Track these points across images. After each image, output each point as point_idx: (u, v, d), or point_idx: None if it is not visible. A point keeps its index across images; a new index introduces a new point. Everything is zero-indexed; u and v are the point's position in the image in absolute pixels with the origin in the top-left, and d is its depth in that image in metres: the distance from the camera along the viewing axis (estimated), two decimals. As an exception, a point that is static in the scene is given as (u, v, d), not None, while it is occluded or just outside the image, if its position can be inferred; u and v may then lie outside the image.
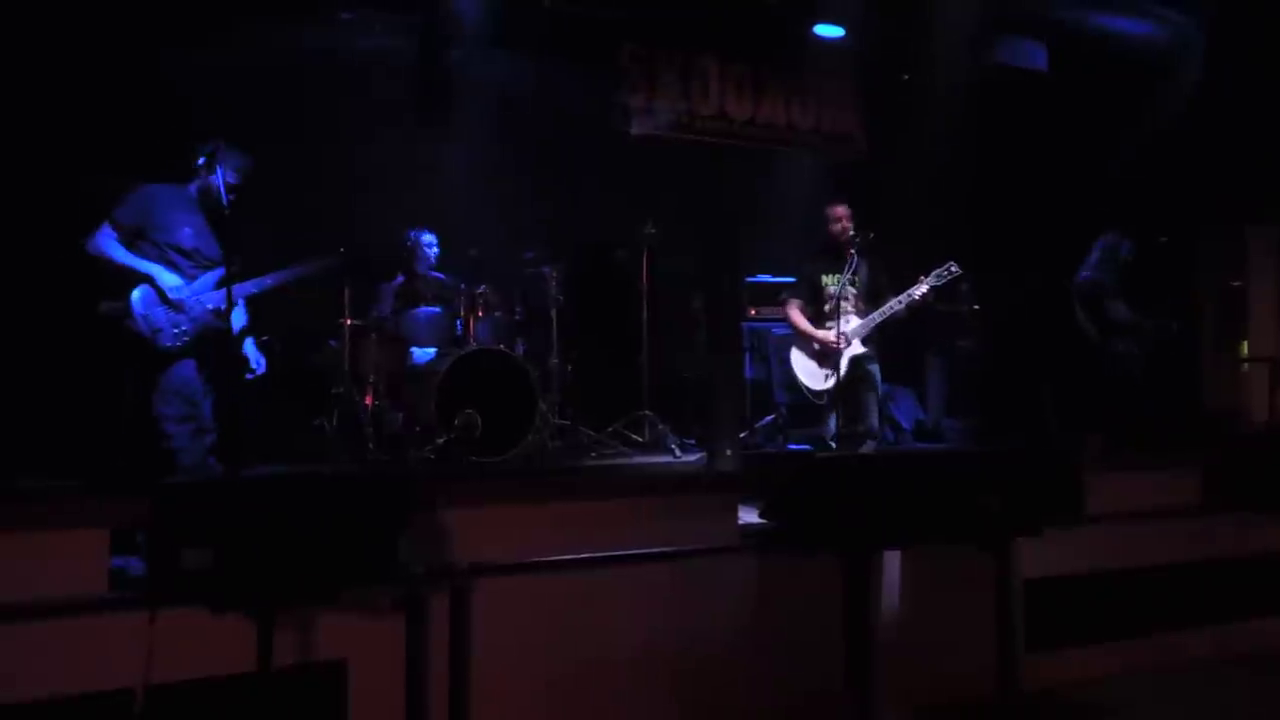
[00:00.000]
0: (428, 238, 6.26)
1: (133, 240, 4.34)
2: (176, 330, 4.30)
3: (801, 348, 5.76)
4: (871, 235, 5.64)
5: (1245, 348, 8.57)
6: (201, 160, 4.43)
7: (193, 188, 4.49)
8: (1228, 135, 7.48)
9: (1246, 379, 8.46)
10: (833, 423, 5.58)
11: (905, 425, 7.53)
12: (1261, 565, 5.11)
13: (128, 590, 2.99)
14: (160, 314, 4.30)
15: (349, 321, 5.84)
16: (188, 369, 4.36)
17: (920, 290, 5.59)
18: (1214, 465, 5.08)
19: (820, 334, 5.64)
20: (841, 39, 7.77)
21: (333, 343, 5.97)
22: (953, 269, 5.64)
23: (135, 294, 4.29)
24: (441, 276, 6.33)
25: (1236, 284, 8.62)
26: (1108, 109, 7.81)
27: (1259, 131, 7.38)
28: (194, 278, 4.40)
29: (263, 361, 4.62)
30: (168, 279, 4.33)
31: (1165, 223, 7.51)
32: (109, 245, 4.31)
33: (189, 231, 4.42)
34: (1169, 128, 7.67)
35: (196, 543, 2.68)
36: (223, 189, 4.32)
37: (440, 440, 5.41)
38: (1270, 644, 5.00)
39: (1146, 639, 4.73)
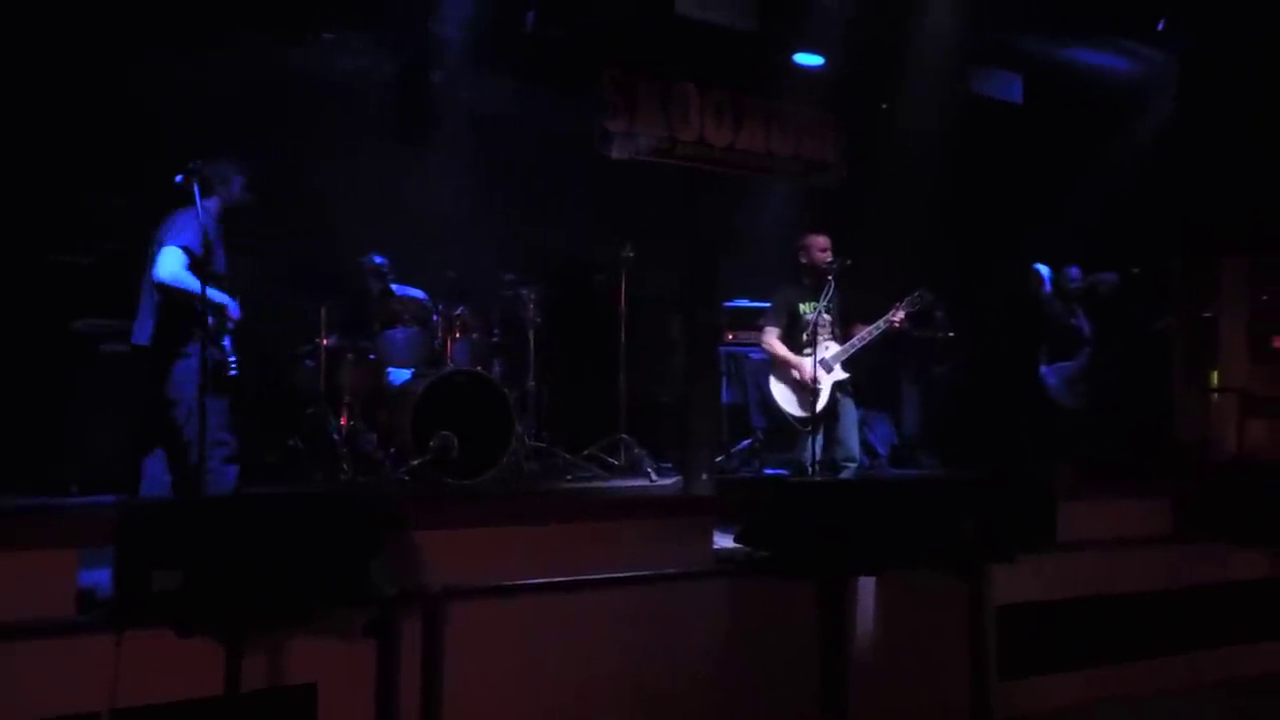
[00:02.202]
0: (378, 260, 6.20)
1: (194, 269, 4.27)
2: (234, 359, 4.31)
3: (781, 375, 5.78)
4: (848, 262, 5.69)
5: (1215, 378, 8.67)
6: (194, 182, 4.38)
7: (212, 209, 4.42)
8: (1199, 167, 7.60)
9: (1217, 409, 8.55)
10: (817, 448, 5.60)
11: (881, 451, 7.56)
12: (1231, 594, 5.15)
13: (95, 611, 2.95)
14: (229, 343, 4.31)
15: (325, 341, 5.81)
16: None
17: (896, 317, 5.67)
18: (1184, 495, 5.13)
19: (799, 361, 5.67)
20: (821, 68, 7.84)
21: (308, 363, 5.93)
22: (924, 296, 5.73)
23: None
24: (418, 294, 6.30)
25: (1207, 315, 8.72)
26: (1081, 140, 7.92)
27: (1230, 164, 7.50)
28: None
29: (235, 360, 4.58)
30: (234, 309, 4.37)
31: (1138, 254, 7.60)
32: (189, 277, 4.24)
33: (222, 256, 4.45)
34: (1142, 159, 7.79)
35: (165, 564, 2.66)
36: (200, 204, 4.30)
37: (415, 462, 5.37)
38: (1240, 672, 5.05)
39: (1118, 666, 4.76)
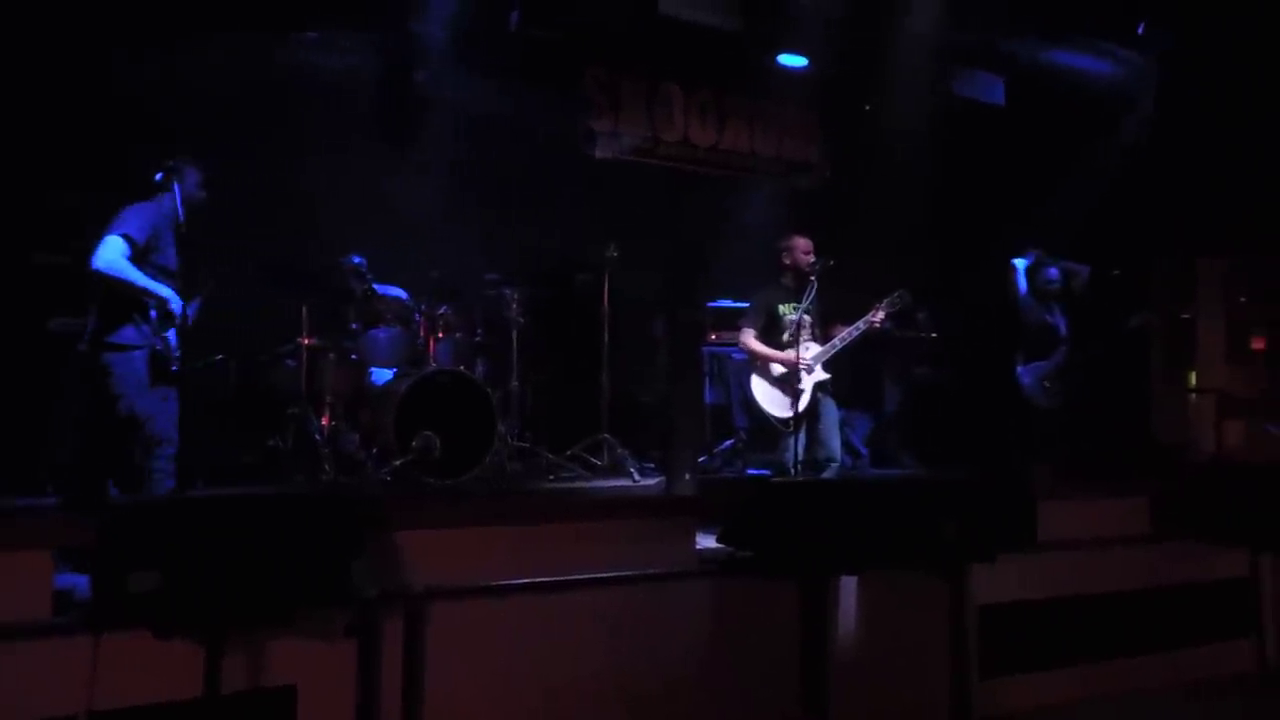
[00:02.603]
0: (356, 260, 6.17)
1: (136, 260, 4.23)
2: (179, 355, 4.24)
3: (762, 376, 5.79)
4: (831, 262, 5.70)
5: (1193, 379, 8.74)
6: (160, 175, 4.36)
7: (167, 204, 4.35)
8: (1178, 170, 7.66)
9: (1195, 410, 8.62)
10: (796, 448, 5.61)
11: (863, 451, 7.58)
12: (1209, 593, 5.20)
13: (72, 614, 2.92)
14: (174, 337, 4.25)
15: (307, 341, 5.78)
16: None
17: (875, 318, 5.71)
18: (1162, 495, 5.17)
19: (782, 355, 5.69)
20: (804, 69, 7.87)
21: (290, 362, 5.90)
22: (904, 297, 5.77)
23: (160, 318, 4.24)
24: (401, 294, 6.28)
25: (1185, 316, 8.79)
26: (1063, 143, 7.98)
27: (1209, 166, 7.56)
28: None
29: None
30: (175, 303, 4.27)
31: (1118, 255, 7.66)
32: (128, 266, 4.19)
33: (172, 252, 4.37)
34: (1122, 162, 7.85)
35: (143, 565, 2.64)
36: (180, 205, 4.27)
37: (398, 462, 5.36)
38: (1218, 670, 5.09)
39: (1098, 665, 4.79)
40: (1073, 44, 7.82)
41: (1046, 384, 6.83)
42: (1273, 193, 7.36)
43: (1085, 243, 7.32)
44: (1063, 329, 6.91)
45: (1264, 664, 5.10)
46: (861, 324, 5.71)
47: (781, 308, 5.81)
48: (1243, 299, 8.63)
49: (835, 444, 5.77)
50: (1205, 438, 8.31)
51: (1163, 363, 8.62)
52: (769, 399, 5.74)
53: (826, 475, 5.62)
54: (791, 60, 7.82)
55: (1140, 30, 7.45)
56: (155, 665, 2.89)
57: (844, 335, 5.73)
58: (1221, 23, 7.08)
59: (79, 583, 3.00)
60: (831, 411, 5.78)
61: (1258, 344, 8.55)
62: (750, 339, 5.83)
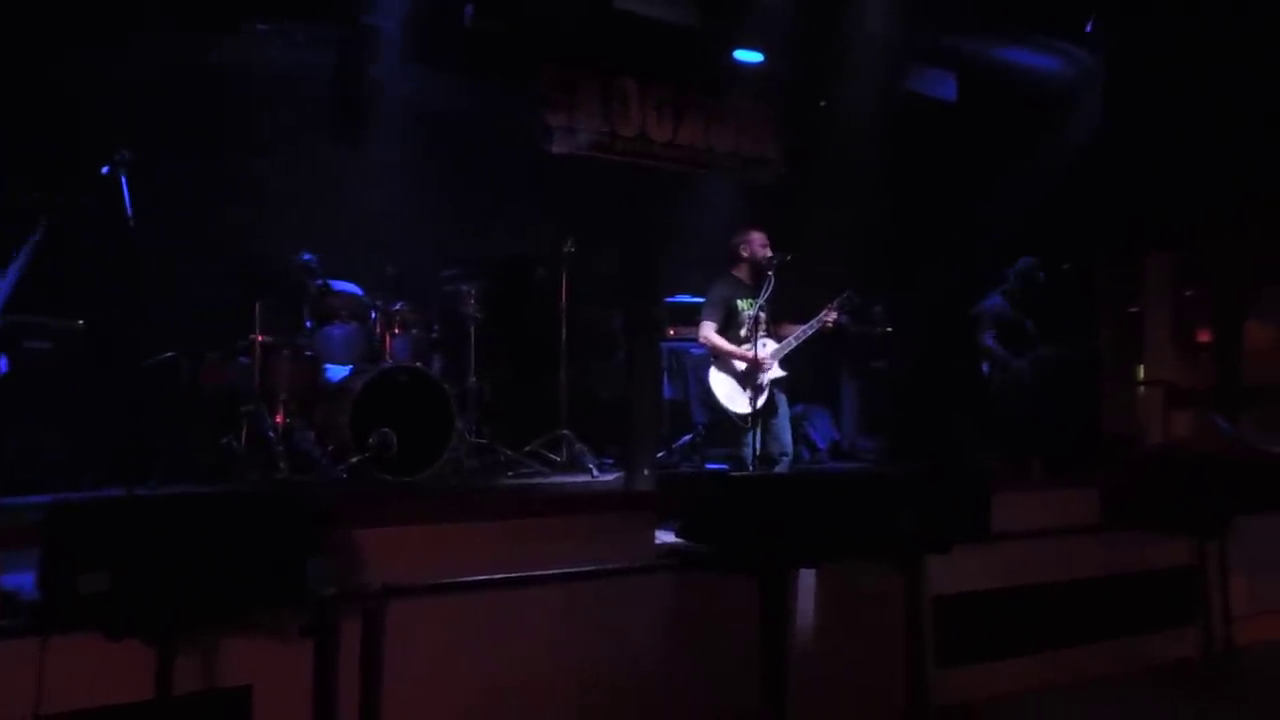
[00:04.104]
0: (306, 257, 6.10)
1: None
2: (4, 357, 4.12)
3: (722, 370, 5.81)
4: (788, 258, 5.74)
5: (1141, 371, 8.92)
6: (106, 169, 4.27)
7: None
8: (1126, 167, 7.81)
9: (1143, 402, 8.80)
10: (754, 443, 5.66)
11: (820, 445, 7.65)
12: (1158, 581, 5.31)
13: (18, 616, 2.85)
14: None
15: (260, 338, 5.69)
16: None
17: (828, 318, 5.78)
18: (1112, 486, 5.27)
19: (743, 352, 5.72)
20: (761, 64, 7.90)
21: (243, 359, 5.81)
22: (852, 298, 5.84)
23: None
24: (355, 290, 6.22)
25: (1133, 310, 8.96)
26: (1013, 138, 8.09)
27: (1155, 164, 7.71)
28: None
29: (4, 361, 4.40)
30: None
31: (1067, 250, 7.80)
32: None
33: None
34: (1071, 158, 7.97)
35: (93, 565, 2.58)
36: (128, 197, 4.18)
37: (354, 459, 5.30)
38: (1167, 657, 5.20)
39: (1051, 653, 4.87)
40: (1022, 41, 7.94)
41: (1018, 387, 6.85)
42: (1217, 188, 7.53)
43: (1034, 238, 7.44)
44: (1029, 328, 6.95)
45: (1209, 650, 5.21)
46: (815, 323, 5.78)
47: (740, 302, 5.84)
48: (1189, 293, 8.82)
49: (788, 438, 5.87)
50: (1154, 429, 8.49)
51: (1112, 357, 8.78)
52: (729, 395, 5.77)
53: (779, 469, 5.69)
54: (747, 56, 7.85)
55: (1088, 29, 7.57)
56: (105, 667, 2.83)
57: (799, 334, 5.80)
58: (1167, 22, 7.22)
59: (25, 583, 2.93)
60: (784, 407, 5.90)
61: (1203, 337, 8.74)
62: (712, 333, 5.85)
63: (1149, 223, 8.23)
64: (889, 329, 7.95)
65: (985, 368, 6.98)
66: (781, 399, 5.87)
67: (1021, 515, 4.80)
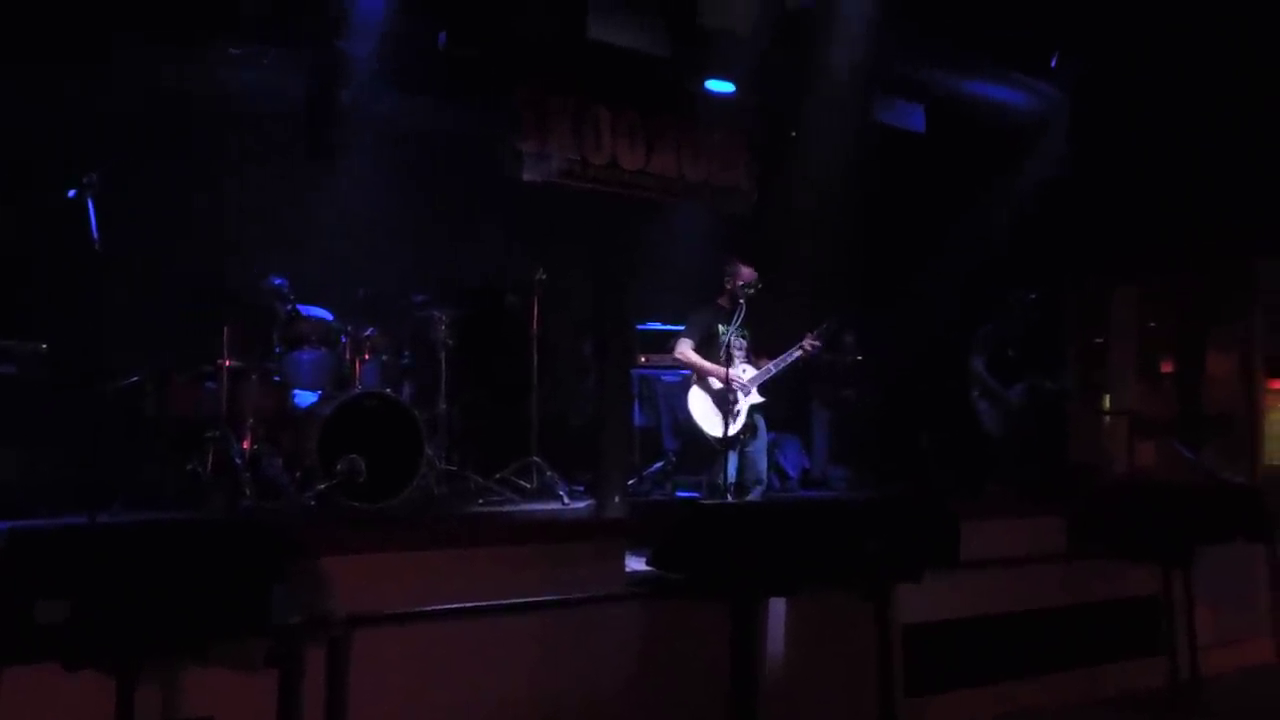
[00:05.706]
0: (277, 281, 6.05)
1: None
2: None
3: (701, 393, 5.85)
4: (759, 286, 5.80)
5: (1107, 401, 9.01)
6: (73, 193, 4.24)
7: None
8: (1091, 199, 7.93)
9: (1109, 431, 8.88)
10: (732, 469, 5.67)
11: (791, 473, 7.66)
12: (1125, 610, 5.34)
13: (-28, 646, 2.79)
14: None
15: (227, 363, 5.63)
16: None
17: (809, 345, 5.89)
18: (1078, 514, 5.31)
19: (717, 368, 5.76)
20: (732, 95, 7.97)
21: (210, 384, 5.74)
22: (831, 326, 6.03)
23: None
24: (325, 315, 6.18)
25: (1099, 340, 9.07)
26: (981, 170, 8.21)
27: (1120, 196, 7.83)
28: None
29: None
30: None
31: (1034, 281, 7.89)
32: None
33: None
34: (1038, 190, 8.09)
35: (51, 593, 2.53)
36: (94, 220, 4.15)
37: (322, 486, 5.24)
38: (1134, 686, 5.23)
39: (1019, 682, 4.88)
40: (988, 75, 8.07)
41: (1008, 415, 6.91)
42: (1180, 222, 7.65)
43: (1001, 269, 7.53)
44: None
45: (1175, 679, 5.24)
46: (796, 350, 5.87)
47: (720, 328, 5.88)
48: (1153, 324, 8.94)
49: (763, 466, 5.93)
50: (1119, 458, 8.57)
51: (1078, 387, 8.88)
52: (705, 417, 5.80)
53: (752, 497, 5.70)
54: (719, 86, 7.92)
55: (1053, 64, 7.70)
56: (63, 699, 2.77)
57: (779, 361, 5.88)
58: (1131, 59, 7.37)
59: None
60: (763, 434, 5.94)
61: (1166, 367, 8.85)
62: (689, 350, 5.90)
63: (1115, 256, 8.35)
64: (859, 357, 8.01)
65: (975, 392, 7.04)
66: (761, 424, 5.92)
67: (990, 543, 4.83)
